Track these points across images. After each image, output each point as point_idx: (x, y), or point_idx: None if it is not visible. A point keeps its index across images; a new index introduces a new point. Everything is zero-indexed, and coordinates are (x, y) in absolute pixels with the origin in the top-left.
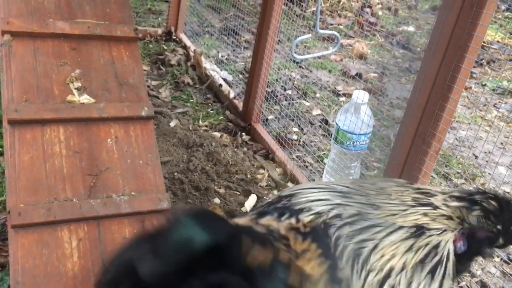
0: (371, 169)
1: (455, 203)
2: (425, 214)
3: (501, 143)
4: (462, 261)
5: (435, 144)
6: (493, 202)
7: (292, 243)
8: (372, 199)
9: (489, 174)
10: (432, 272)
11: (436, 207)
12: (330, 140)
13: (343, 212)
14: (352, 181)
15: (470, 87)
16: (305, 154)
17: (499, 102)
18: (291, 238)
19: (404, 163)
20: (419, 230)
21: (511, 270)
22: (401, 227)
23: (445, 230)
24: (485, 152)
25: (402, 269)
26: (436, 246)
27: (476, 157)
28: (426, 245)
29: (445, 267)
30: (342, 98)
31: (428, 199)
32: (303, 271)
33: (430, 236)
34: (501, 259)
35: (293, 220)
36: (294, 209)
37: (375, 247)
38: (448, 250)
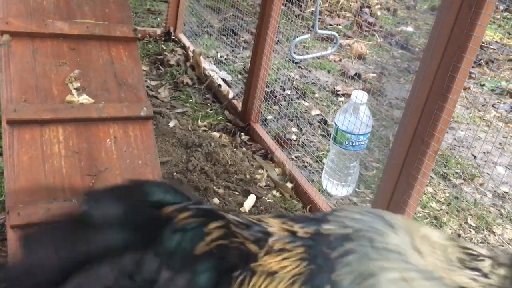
0: (370, 169)
1: (502, 271)
2: (475, 280)
3: (500, 143)
4: None
5: (434, 144)
6: None
7: (271, 240)
8: (416, 243)
9: (488, 174)
10: None
11: (485, 275)
12: (329, 140)
13: (375, 237)
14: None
15: (469, 87)
16: (304, 154)
17: (498, 102)
18: (275, 236)
19: (403, 163)
20: None
21: None
22: (442, 281)
23: None
24: (484, 152)
25: None
26: None
27: (475, 157)
28: None
29: None
30: (341, 98)
31: (475, 264)
32: (248, 251)
33: None
34: None
35: (298, 226)
36: (324, 219)
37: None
38: None
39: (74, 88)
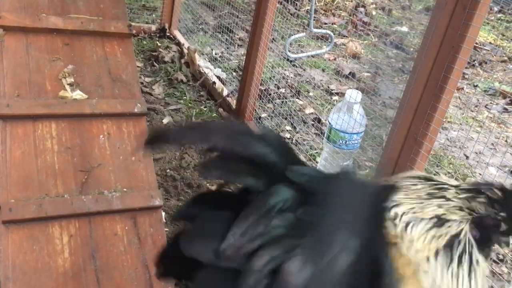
0: (363, 168)
1: (464, 195)
2: (440, 206)
3: (492, 144)
4: (482, 249)
5: (427, 144)
6: (497, 191)
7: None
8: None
9: (480, 174)
10: (460, 259)
11: (448, 199)
12: (322, 139)
13: None
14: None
15: (462, 88)
16: (297, 153)
17: (491, 103)
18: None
19: (396, 163)
20: (439, 221)
21: (500, 270)
22: (422, 219)
23: (461, 221)
24: (476, 153)
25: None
26: (457, 235)
27: (467, 157)
28: (447, 233)
29: (470, 254)
30: (335, 97)
31: (441, 193)
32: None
33: (449, 226)
34: (491, 258)
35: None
36: None
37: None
38: (469, 238)
39: (68, 84)
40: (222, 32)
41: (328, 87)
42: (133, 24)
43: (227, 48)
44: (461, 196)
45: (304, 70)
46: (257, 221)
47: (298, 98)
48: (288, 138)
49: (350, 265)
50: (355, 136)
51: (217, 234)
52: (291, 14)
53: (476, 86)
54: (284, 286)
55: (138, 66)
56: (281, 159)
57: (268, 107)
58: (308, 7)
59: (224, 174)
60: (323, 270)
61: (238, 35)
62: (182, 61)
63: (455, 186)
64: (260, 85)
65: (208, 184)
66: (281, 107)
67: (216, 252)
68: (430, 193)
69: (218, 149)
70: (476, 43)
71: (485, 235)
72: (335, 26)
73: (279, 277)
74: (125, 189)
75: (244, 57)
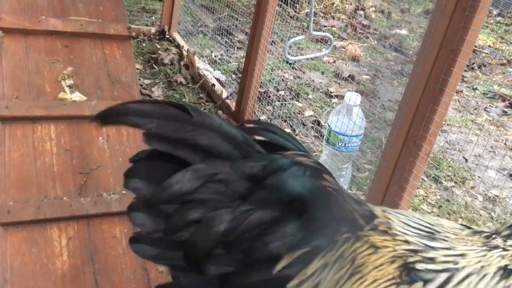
0: (362, 171)
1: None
2: (502, 257)
3: (491, 147)
4: None
5: (426, 146)
6: None
7: (377, 220)
8: (455, 244)
9: (479, 177)
10: None
11: (504, 249)
12: (322, 141)
13: (437, 257)
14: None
15: (461, 91)
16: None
17: (490, 106)
18: (379, 218)
19: (395, 165)
20: (505, 272)
21: None
22: (488, 273)
23: None
24: (475, 155)
25: None
26: None
27: (466, 160)
28: None
29: None
30: (335, 100)
31: (492, 242)
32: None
33: None
34: None
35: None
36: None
37: None
38: None
39: (67, 86)
40: (222, 34)
41: (328, 89)
42: (132, 26)
43: (227, 50)
44: (509, 242)
45: (303, 72)
46: (189, 180)
47: (298, 101)
48: None
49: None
50: (355, 139)
51: (157, 180)
52: (290, 17)
53: (475, 89)
54: (203, 229)
55: (137, 68)
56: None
57: (267, 110)
58: (308, 10)
59: (166, 147)
60: (238, 218)
61: (237, 37)
62: (182, 63)
63: (497, 233)
64: (260, 87)
65: None
66: (281, 110)
67: (149, 195)
68: (484, 242)
69: (171, 138)
70: (475, 46)
71: None
72: (335, 28)
73: (203, 221)
74: (124, 192)
75: (244, 59)
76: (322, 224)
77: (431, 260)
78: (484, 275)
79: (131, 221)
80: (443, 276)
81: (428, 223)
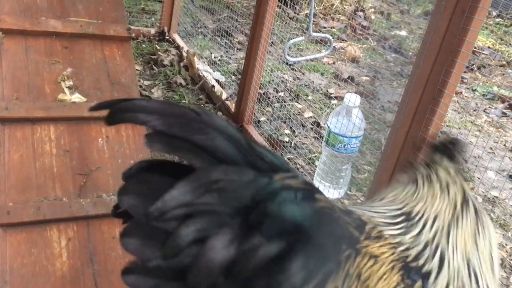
0: (362, 172)
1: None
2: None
3: (491, 148)
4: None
5: (426, 148)
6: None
7: (367, 227)
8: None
9: (478, 178)
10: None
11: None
12: (321, 142)
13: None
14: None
15: (461, 92)
16: (296, 156)
17: (489, 107)
18: (369, 224)
19: (395, 167)
20: (464, 202)
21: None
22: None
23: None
24: (475, 157)
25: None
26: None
27: (466, 161)
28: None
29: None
30: (334, 101)
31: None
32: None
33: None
34: None
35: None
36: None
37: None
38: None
39: (67, 87)
40: (221, 35)
41: (327, 91)
42: (132, 27)
43: (226, 51)
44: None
45: (303, 74)
46: (189, 191)
47: (297, 102)
48: (287, 142)
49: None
50: (354, 140)
51: (153, 195)
52: (290, 18)
53: (475, 90)
54: (203, 260)
55: (137, 69)
56: (239, 155)
57: (267, 111)
58: (307, 11)
59: (167, 148)
60: (247, 253)
61: (237, 38)
62: (181, 64)
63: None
64: (259, 88)
65: None
66: (280, 111)
67: (145, 212)
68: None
69: (177, 136)
70: (475, 48)
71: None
72: (334, 30)
73: (201, 249)
74: None
75: (243, 60)
76: (327, 248)
77: (424, 247)
78: (457, 223)
79: (124, 248)
80: (436, 261)
81: (391, 209)
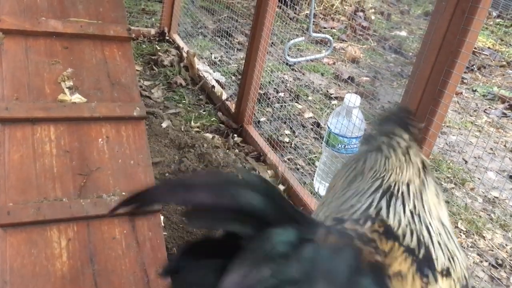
0: None
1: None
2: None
3: (491, 149)
4: None
5: (426, 148)
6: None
7: (379, 243)
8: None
9: (479, 179)
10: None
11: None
12: (321, 143)
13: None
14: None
15: (461, 93)
16: (296, 157)
17: (489, 107)
18: (377, 239)
19: None
20: (424, 168)
21: (499, 274)
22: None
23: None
24: (475, 157)
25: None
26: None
27: (466, 162)
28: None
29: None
30: (334, 101)
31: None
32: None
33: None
34: (489, 263)
35: (370, 223)
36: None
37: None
38: None
39: (67, 87)
40: (222, 36)
41: (327, 91)
42: (132, 27)
43: (226, 52)
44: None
45: (303, 74)
46: (258, 266)
47: (297, 102)
48: (287, 142)
49: None
50: (354, 141)
51: (209, 283)
52: (290, 19)
53: (475, 90)
54: None
55: (137, 70)
56: (269, 206)
57: (267, 111)
58: (307, 12)
59: (208, 222)
60: None
61: (237, 39)
62: (181, 65)
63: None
64: (259, 89)
65: None
66: (280, 111)
67: None
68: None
69: (205, 206)
70: (475, 48)
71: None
72: (334, 30)
73: None
74: (123, 193)
75: (243, 61)
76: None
77: (412, 221)
78: (424, 186)
79: None
80: (425, 234)
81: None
